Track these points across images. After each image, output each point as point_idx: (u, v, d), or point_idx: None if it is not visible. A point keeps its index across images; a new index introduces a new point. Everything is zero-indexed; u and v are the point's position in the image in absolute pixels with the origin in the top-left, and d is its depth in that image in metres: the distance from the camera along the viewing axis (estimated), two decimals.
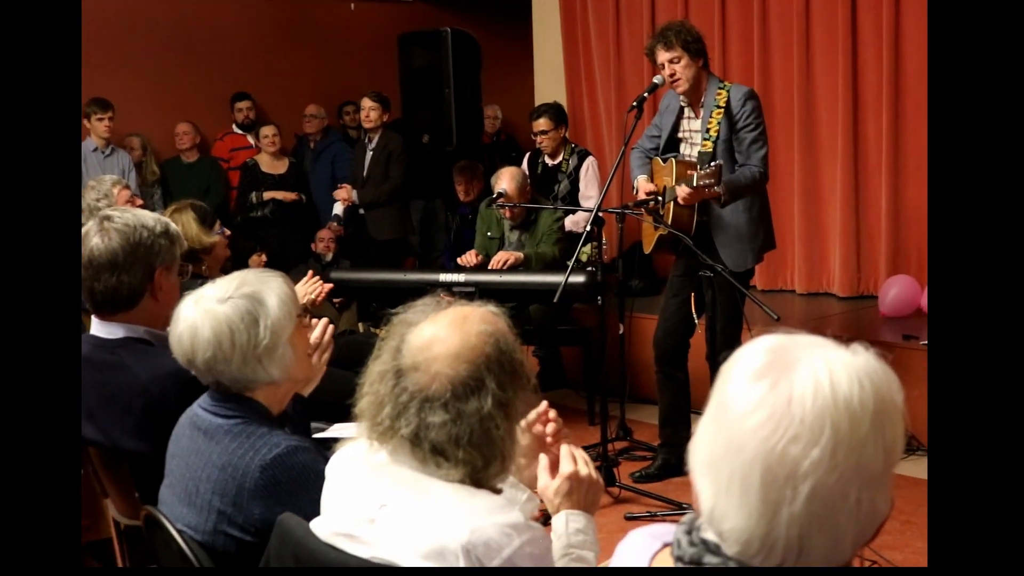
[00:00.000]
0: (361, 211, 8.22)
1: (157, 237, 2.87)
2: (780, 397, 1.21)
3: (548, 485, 2.13)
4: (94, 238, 2.82)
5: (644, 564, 1.44)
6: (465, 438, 1.84)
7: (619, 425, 5.86)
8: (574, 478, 2.13)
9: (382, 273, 6.43)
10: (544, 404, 2.23)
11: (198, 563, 2.29)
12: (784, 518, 1.20)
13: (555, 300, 4.89)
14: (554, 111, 7.16)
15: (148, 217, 2.90)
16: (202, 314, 2.37)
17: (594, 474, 2.16)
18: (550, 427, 2.26)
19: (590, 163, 7.12)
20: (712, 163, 4.68)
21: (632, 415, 6.12)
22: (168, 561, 2.44)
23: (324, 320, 2.82)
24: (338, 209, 8.58)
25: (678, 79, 4.93)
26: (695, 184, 4.68)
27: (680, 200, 4.79)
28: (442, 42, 8.05)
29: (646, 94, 5.04)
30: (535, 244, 6.45)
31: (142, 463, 2.75)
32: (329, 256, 8.57)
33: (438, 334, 1.89)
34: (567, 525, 2.10)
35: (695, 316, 5.09)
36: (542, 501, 2.16)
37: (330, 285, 4.20)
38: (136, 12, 8.87)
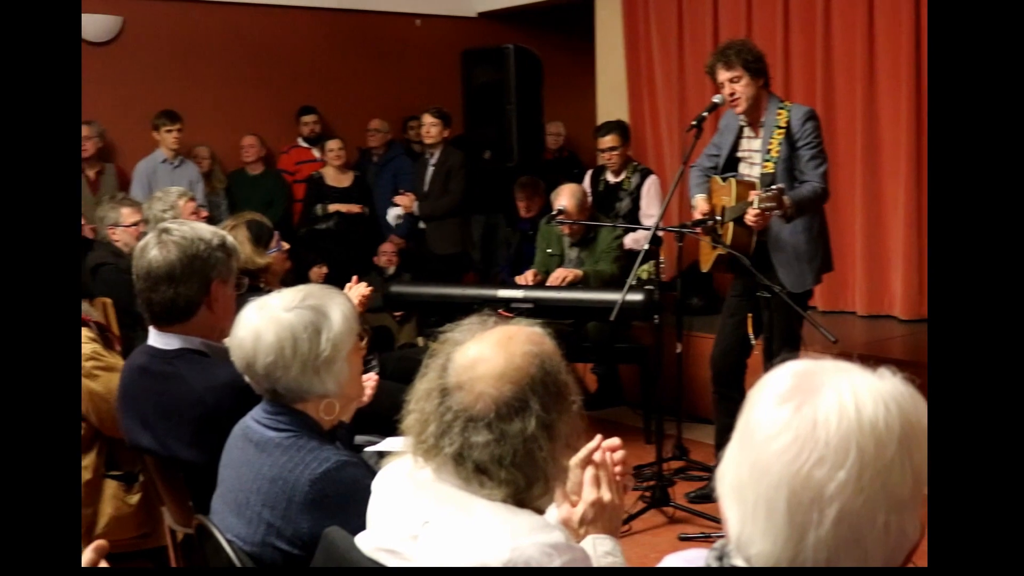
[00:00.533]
0: (421, 225, 8.28)
1: (214, 250, 2.92)
2: (805, 420, 1.21)
3: (572, 514, 2.12)
4: (153, 250, 2.88)
5: None
6: (508, 458, 1.84)
7: (675, 444, 5.84)
8: (597, 504, 2.12)
9: (441, 288, 6.47)
10: (598, 437, 2.19)
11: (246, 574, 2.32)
12: (811, 542, 1.19)
13: (611, 318, 4.89)
14: (621, 128, 7.22)
15: (205, 230, 2.96)
16: (267, 320, 2.42)
17: (616, 498, 2.14)
18: (619, 454, 2.20)
19: (652, 181, 7.12)
20: (773, 187, 4.66)
21: (689, 434, 6.10)
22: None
23: (374, 377, 2.91)
24: (394, 215, 8.61)
25: (737, 98, 4.92)
26: (757, 207, 4.66)
27: (749, 223, 4.78)
28: (505, 59, 8.09)
29: (705, 113, 5.04)
30: (594, 261, 6.45)
31: (196, 472, 2.80)
32: (391, 269, 8.64)
33: (483, 354, 1.89)
34: (595, 549, 2.09)
35: (752, 336, 5.06)
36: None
37: (369, 289, 4.22)
38: (206, 28, 9.02)
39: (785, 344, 4.96)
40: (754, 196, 4.73)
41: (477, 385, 1.87)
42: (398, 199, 8.41)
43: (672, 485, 5.23)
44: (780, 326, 4.91)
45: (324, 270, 8.07)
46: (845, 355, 1.34)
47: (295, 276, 8.02)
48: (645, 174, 7.18)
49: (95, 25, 8.49)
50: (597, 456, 2.17)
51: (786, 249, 5.01)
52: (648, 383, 6.25)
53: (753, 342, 5.08)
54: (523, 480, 1.87)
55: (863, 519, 1.19)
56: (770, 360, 4.96)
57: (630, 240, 6.77)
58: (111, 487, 3.75)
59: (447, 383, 1.90)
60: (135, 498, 3.75)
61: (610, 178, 7.26)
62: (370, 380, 3.13)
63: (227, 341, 2.49)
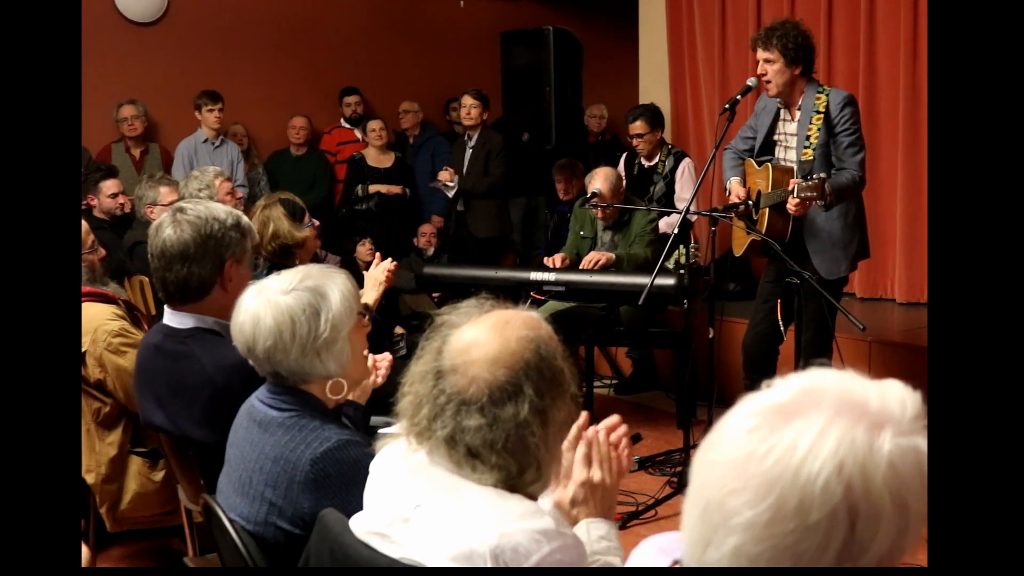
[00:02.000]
0: (460, 207, 8.27)
1: (228, 230, 2.92)
2: (746, 446, 1.15)
3: (563, 496, 2.10)
4: (167, 229, 2.89)
5: None
6: (500, 443, 1.82)
7: (706, 430, 5.78)
8: (588, 484, 2.09)
9: (474, 270, 6.47)
10: (584, 416, 2.14)
11: (248, 553, 2.33)
12: (711, 557, 1.15)
13: (640, 302, 4.86)
14: (650, 113, 7.13)
15: (220, 210, 2.96)
16: (265, 303, 2.41)
17: (608, 478, 2.12)
18: (616, 434, 2.18)
19: (686, 164, 7.07)
20: (815, 176, 4.59)
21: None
22: (224, 550, 2.49)
23: (388, 358, 2.93)
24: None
25: (768, 81, 4.86)
26: (797, 195, 4.60)
27: (791, 212, 4.72)
28: (543, 41, 8.05)
29: (739, 97, 4.97)
30: (628, 245, 6.41)
31: (207, 451, 2.82)
32: (430, 251, 8.65)
33: (479, 337, 1.88)
34: (589, 533, 2.07)
35: (781, 324, 5.00)
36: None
37: (394, 264, 4.22)
38: (250, 8, 9.06)
39: (816, 332, 4.91)
40: (794, 184, 4.67)
41: (471, 369, 1.85)
42: (440, 175, 8.37)
43: None
44: (810, 313, 4.86)
45: (368, 246, 8.10)
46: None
47: (344, 255, 8.09)
48: (679, 157, 7.12)
49: (140, 5, 8.56)
50: (589, 433, 2.16)
51: (821, 235, 4.95)
52: (682, 368, 6.21)
53: (782, 329, 5.02)
54: (515, 465, 1.85)
55: (759, 564, 1.12)
56: (800, 346, 4.92)
57: (664, 224, 6.73)
58: (136, 463, 3.79)
59: (442, 366, 1.89)
60: (159, 475, 3.78)
61: (644, 162, 7.22)
62: (384, 360, 3.12)
63: (231, 325, 2.49)
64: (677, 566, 1.39)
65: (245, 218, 3.00)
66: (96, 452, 3.72)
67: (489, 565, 1.76)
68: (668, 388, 6.87)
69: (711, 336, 5.25)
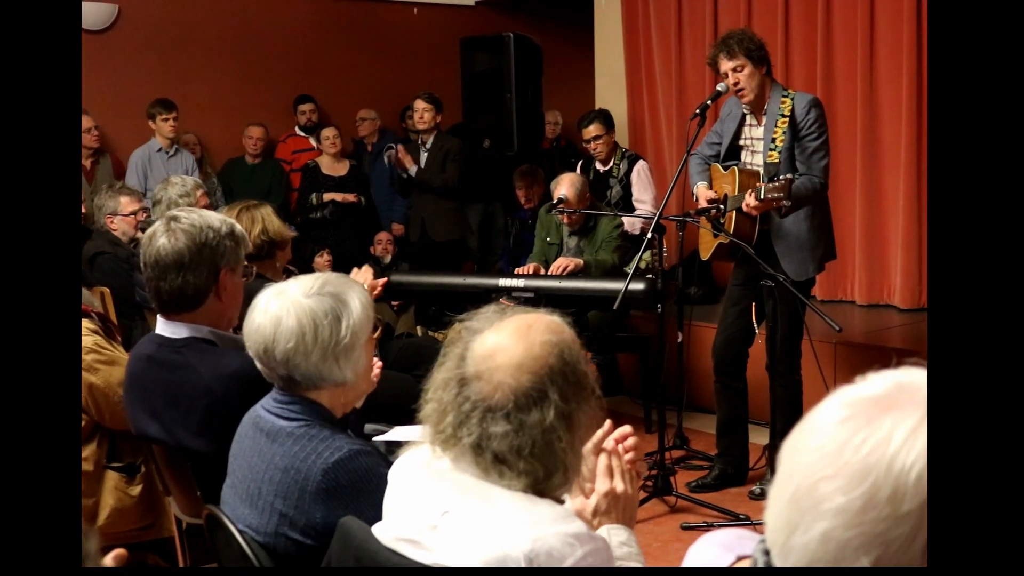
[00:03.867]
0: (422, 215, 8.25)
1: (223, 238, 2.89)
2: (841, 435, 1.16)
3: (585, 506, 2.11)
4: (161, 238, 2.85)
5: None
6: (527, 449, 1.83)
7: (676, 434, 5.84)
8: (611, 495, 2.11)
9: (440, 277, 6.44)
10: (608, 423, 2.18)
11: (259, 564, 2.30)
12: (797, 541, 1.16)
13: (615, 307, 4.87)
14: (603, 116, 7.21)
15: (214, 218, 2.93)
16: (288, 305, 2.38)
17: (630, 488, 2.14)
18: (630, 441, 2.22)
19: (640, 167, 7.13)
20: (782, 177, 4.64)
21: (690, 424, 6.09)
22: (229, 561, 2.46)
23: (379, 364, 2.91)
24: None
25: (742, 88, 4.90)
26: (763, 196, 4.64)
27: (747, 210, 4.76)
28: (504, 47, 8.04)
29: (709, 102, 5.01)
30: (594, 251, 6.44)
31: (204, 462, 2.78)
32: (388, 258, 8.62)
33: (502, 343, 1.88)
34: (610, 539, 2.07)
35: (755, 326, 5.05)
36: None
37: (383, 280, 4.21)
38: (202, 15, 8.98)
39: (789, 334, 4.96)
40: (760, 186, 4.72)
41: (495, 375, 1.85)
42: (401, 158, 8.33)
43: (673, 474, 5.22)
44: (784, 315, 4.90)
45: (326, 258, 8.05)
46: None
47: (300, 267, 8.03)
48: (633, 160, 7.18)
49: (91, 13, 8.44)
50: (608, 443, 2.17)
51: (788, 238, 5.00)
52: (649, 372, 6.23)
53: (756, 331, 5.07)
54: (542, 470, 1.85)
55: (847, 551, 1.13)
56: (773, 349, 4.96)
57: (627, 224, 6.77)
58: (112, 478, 3.73)
59: (465, 373, 1.88)
60: (137, 489, 3.73)
61: (599, 166, 7.26)
62: (375, 366, 3.10)
63: (244, 326, 2.45)
64: (739, 565, 1.39)
65: (239, 227, 2.97)
66: None
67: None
68: (633, 393, 6.89)
69: (679, 340, 5.29)
